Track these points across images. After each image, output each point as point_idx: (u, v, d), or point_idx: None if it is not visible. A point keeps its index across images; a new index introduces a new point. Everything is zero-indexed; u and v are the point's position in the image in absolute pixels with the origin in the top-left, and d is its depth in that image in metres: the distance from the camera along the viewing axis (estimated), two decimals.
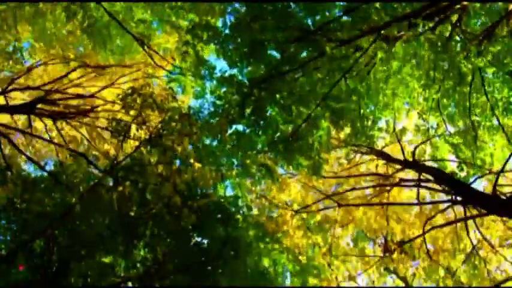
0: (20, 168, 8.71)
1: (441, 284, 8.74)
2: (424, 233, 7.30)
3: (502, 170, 6.65)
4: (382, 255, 8.19)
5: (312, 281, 7.15)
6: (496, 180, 6.29)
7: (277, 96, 8.69)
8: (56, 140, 8.93)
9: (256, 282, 6.35)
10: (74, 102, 8.47)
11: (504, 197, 6.28)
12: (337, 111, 8.12)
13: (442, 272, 9.06)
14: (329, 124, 8.20)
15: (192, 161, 6.63)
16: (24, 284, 7.25)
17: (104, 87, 8.29)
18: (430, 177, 7.22)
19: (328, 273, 8.28)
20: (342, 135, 10.40)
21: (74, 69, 7.86)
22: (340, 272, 9.26)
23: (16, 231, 8.43)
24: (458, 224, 8.74)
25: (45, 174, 8.93)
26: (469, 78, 8.21)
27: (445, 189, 7.17)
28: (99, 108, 8.19)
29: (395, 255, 8.69)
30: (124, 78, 8.67)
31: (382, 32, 7.07)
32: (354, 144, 9.81)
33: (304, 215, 7.98)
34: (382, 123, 10.62)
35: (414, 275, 11.44)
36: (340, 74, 8.34)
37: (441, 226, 7.57)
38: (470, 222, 8.11)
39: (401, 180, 7.81)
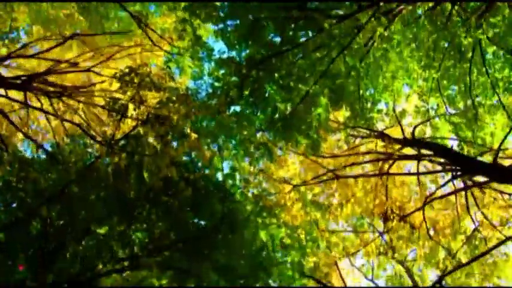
0: (17, 148, 8.63)
1: (441, 266, 8.67)
2: (424, 204, 7.22)
3: (503, 142, 6.57)
4: (381, 231, 8.12)
5: (311, 258, 7.08)
6: (497, 153, 6.21)
7: (276, 75, 8.63)
8: (52, 121, 8.85)
9: (253, 257, 6.28)
10: (70, 82, 8.38)
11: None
12: (335, 88, 8.04)
13: (442, 254, 8.99)
14: (327, 101, 8.12)
15: (188, 131, 6.54)
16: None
17: (101, 62, 8.19)
18: (430, 152, 7.13)
19: (326, 249, 8.23)
20: (341, 118, 10.33)
21: (66, 39, 7.72)
22: (339, 250, 9.20)
23: (13, 211, 8.36)
24: (459, 205, 8.68)
25: (42, 157, 8.89)
26: (469, 55, 8.13)
27: (446, 162, 7.09)
28: (96, 86, 8.10)
29: (394, 234, 8.62)
30: (122, 53, 8.58)
31: (381, 3, 6.98)
32: (354, 126, 9.72)
33: (303, 189, 7.92)
34: (381, 106, 10.59)
35: (415, 260, 11.41)
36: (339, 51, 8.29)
37: (441, 197, 7.48)
38: (471, 202, 8.04)
39: (401, 157, 7.72)
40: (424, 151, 7.49)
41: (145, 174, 7.31)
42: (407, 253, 10.54)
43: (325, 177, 8.21)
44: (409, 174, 7.93)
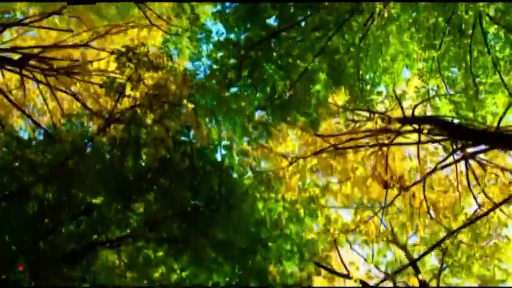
0: (13, 128, 8.57)
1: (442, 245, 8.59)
2: (424, 177, 7.14)
3: (504, 116, 6.49)
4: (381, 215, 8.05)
5: (309, 234, 7.01)
6: (499, 122, 6.14)
7: (274, 54, 8.60)
8: (49, 102, 8.79)
9: (251, 232, 6.20)
10: (67, 62, 8.31)
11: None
12: (334, 64, 7.98)
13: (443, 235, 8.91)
14: (326, 78, 8.06)
15: (185, 102, 6.48)
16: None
17: (98, 36, 8.12)
18: (431, 127, 7.05)
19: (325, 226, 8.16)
20: (340, 103, 10.26)
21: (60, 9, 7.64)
22: (338, 226, 9.12)
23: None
24: (460, 186, 8.61)
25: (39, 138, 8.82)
26: (470, 32, 8.06)
27: (447, 134, 7.01)
28: (93, 65, 8.04)
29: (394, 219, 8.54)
30: (119, 33, 8.51)
31: None
32: (353, 109, 9.66)
33: (301, 162, 7.84)
34: (381, 89, 10.53)
35: (415, 245, 11.34)
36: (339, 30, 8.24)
37: (442, 168, 7.40)
38: (472, 181, 7.96)
39: (401, 132, 7.64)
40: (424, 127, 7.40)
41: (143, 151, 7.25)
42: (408, 237, 10.48)
43: (324, 155, 8.13)
44: (410, 143, 7.84)
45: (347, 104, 9.76)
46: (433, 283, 10.32)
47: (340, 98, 10.44)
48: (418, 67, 10.02)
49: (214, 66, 8.99)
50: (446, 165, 7.18)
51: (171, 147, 6.23)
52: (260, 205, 6.47)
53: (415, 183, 7.79)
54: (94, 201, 7.16)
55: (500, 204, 6.47)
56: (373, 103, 9.78)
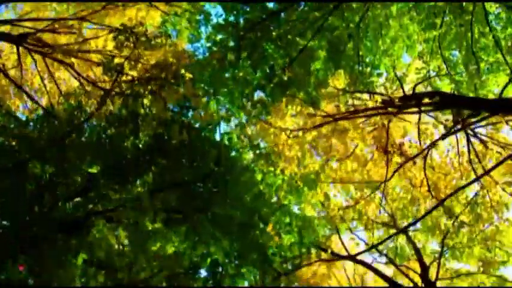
0: (10, 108, 8.51)
1: (442, 227, 8.52)
2: (427, 147, 7.06)
3: (505, 89, 6.42)
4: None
5: (309, 210, 6.94)
6: (502, 91, 6.07)
7: (274, 33, 8.54)
8: (47, 82, 8.73)
9: (250, 203, 6.13)
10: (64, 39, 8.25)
11: None
12: (334, 41, 7.92)
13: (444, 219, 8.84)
14: (326, 55, 7.99)
15: (183, 71, 6.41)
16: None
17: (95, 11, 8.04)
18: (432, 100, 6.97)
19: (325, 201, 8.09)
20: (340, 85, 10.18)
21: None
22: (339, 203, 9.04)
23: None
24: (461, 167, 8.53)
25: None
26: (471, 8, 7.99)
27: (447, 104, 6.92)
28: (91, 44, 7.97)
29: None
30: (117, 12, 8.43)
31: None
32: (353, 91, 9.58)
33: (300, 134, 7.76)
34: (381, 70, 10.45)
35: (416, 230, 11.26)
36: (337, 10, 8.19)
37: (443, 138, 7.30)
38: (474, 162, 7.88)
39: (402, 106, 7.55)
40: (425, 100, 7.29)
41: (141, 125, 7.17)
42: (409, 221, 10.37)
43: (324, 131, 8.05)
44: (411, 112, 7.75)
45: (347, 87, 9.69)
46: (434, 266, 10.25)
47: (340, 82, 10.38)
48: (418, 49, 9.97)
49: (214, 48, 8.93)
50: (447, 134, 7.07)
51: (168, 119, 6.16)
52: (259, 177, 6.39)
53: (417, 155, 7.69)
54: (91, 170, 7.05)
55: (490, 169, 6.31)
56: (373, 85, 9.71)
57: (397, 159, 7.75)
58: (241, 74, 8.63)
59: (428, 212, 6.95)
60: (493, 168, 6.42)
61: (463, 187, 6.82)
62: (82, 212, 6.04)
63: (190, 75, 6.62)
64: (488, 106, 6.29)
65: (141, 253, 5.91)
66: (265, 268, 6.04)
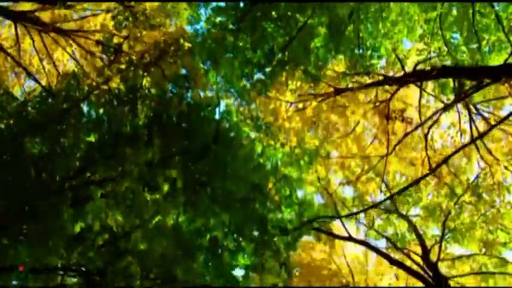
0: (8, 88, 8.43)
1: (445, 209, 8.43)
2: (428, 118, 6.98)
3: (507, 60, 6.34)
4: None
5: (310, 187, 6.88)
6: (506, 60, 6.00)
7: (273, 13, 8.48)
8: (45, 64, 8.67)
9: (250, 175, 6.07)
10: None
11: None
12: (334, 19, 7.85)
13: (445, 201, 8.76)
14: (326, 31, 7.91)
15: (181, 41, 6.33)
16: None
17: None
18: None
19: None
20: (340, 69, 10.12)
21: None
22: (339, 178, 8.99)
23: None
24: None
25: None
26: None
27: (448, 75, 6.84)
28: (90, 23, 7.91)
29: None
30: None
31: None
32: (354, 73, 9.51)
33: (301, 106, 7.70)
34: (381, 53, 10.38)
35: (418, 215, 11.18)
36: None
37: (444, 109, 7.23)
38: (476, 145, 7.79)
39: (403, 81, 7.48)
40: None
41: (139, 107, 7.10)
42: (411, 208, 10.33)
43: (324, 107, 7.98)
44: (411, 82, 7.67)
45: (347, 71, 9.62)
46: (435, 249, 10.17)
47: (340, 68, 10.32)
48: (419, 32, 9.90)
49: (213, 31, 8.88)
50: (449, 106, 7.00)
51: (167, 90, 6.09)
52: (259, 148, 6.32)
53: (418, 126, 7.61)
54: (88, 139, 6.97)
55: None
56: (373, 68, 9.64)
57: (399, 126, 7.65)
58: (241, 44, 8.59)
59: (420, 179, 6.87)
60: (486, 132, 6.32)
61: (454, 153, 6.72)
62: (79, 182, 5.96)
63: (189, 45, 6.53)
64: (490, 73, 6.22)
65: (139, 222, 5.84)
66: (265, 241, 5.97)
